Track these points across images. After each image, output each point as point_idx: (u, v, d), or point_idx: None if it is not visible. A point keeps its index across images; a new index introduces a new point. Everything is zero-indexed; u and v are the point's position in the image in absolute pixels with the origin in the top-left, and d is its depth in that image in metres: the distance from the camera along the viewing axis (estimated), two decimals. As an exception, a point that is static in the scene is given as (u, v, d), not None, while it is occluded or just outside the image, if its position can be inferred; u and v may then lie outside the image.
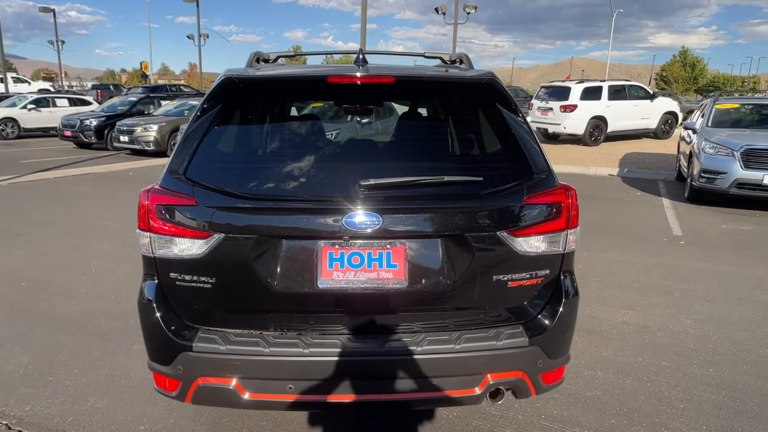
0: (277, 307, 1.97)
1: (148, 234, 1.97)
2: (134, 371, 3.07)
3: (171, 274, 1.97)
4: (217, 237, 1.89)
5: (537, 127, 15.91)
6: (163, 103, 15.98)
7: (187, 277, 1.95)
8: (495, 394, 2.02)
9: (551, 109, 15.31)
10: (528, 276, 2.00)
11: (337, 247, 1.90)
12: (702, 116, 9.25)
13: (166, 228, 1.93)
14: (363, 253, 1.91)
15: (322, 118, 2.32)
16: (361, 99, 2.17)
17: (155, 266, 2.00)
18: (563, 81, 17.01)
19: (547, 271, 2.02)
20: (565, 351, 2.12)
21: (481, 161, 2.04)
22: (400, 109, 2.33)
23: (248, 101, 2.08)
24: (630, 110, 15.44)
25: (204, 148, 2.00)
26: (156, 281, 2.01)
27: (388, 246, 1.91)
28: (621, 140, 15.64)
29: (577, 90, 14.90)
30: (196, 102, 15.18)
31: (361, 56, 2.21)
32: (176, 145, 2.06)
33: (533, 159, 2.01)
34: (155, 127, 13.05)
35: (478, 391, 1.97)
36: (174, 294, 2.00)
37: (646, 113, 15.77)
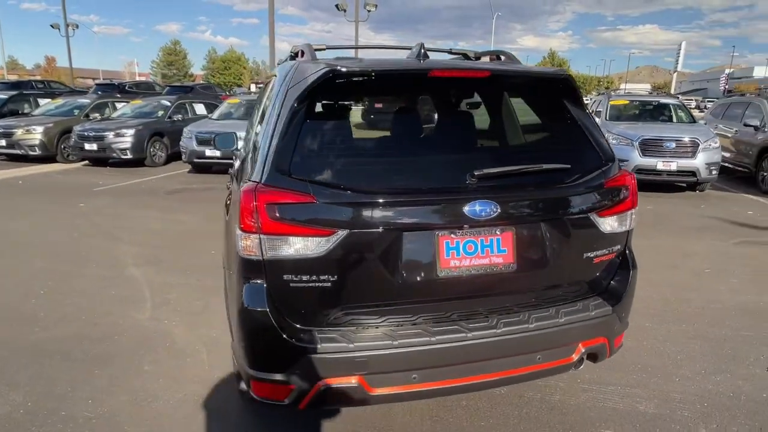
0: (398, 299, 1.99)
1: (256, 236, 1.87)
2: (163, 393, 2.81)
3: (285, 276, 1.89)
4: (340, 234, 1.86)
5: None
6: (42, 101, 14.12)
7: (305, 278, 1.89)
8: (580, 360, 2.23)
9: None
10: (607, 252, 2.23)
11: (453, 236, 1.97)
12: (598, 112, 10.47)
13: (282, 228, 1.85)
14: (476, 241, 1.99)
15: (419, 111, 2.35)
16: (457, 92, 2.23)
17: (263, 269, 1.90)
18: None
19: (619, 246, 2.28)
20: (628, 316, 2.39)
21: (566, 150, 2.22)
22: (485, 101, 2.42)
23: (350, 94, 2.05)
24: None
25: (307, 143, 1.95)
26: (263, 285, 1.91)
27: (498, 232, 2.02)
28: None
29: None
30: (85, 100, 13.65)
31: (422, 51, 2.28)
32: (270, 140, 1.96)
33: (602, 148, 2.25)
34: (40, 129, 11.50)
35: (574, 358, 2.17)
36: (286, 297, 1.92)
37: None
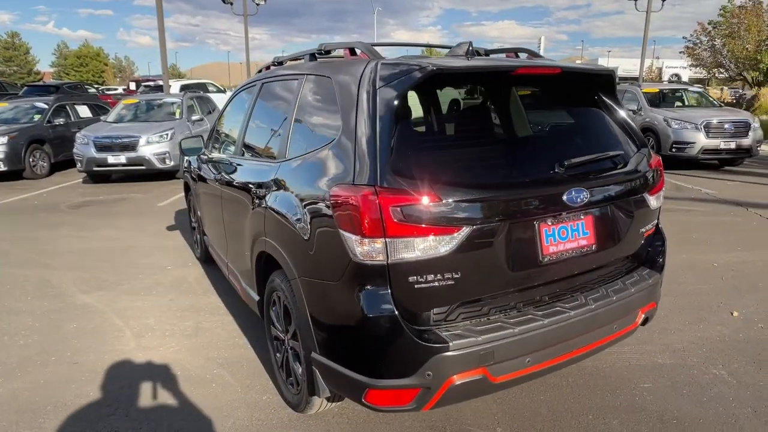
0: (508, 288, 2.04)
1: (381, 240, 1.81)
2: (212, 426, 2.57)
3: (410, 278, 1.85)
4: (465, 231, 1.86)
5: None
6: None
7: (429, 278, 1.87)
8: (643, 323, 2.48)
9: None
10: (651, 226, 2.50)
11: (550, 223, 2.07)
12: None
13: (409, 230, 1.81)
14: (567, 226, 2.12)
15: (506, 107, 2.37)
16: (534, 89, 2.31)
17: (388, 274, 1.84)
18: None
19: (656, 221, 2.56)
20: None
21: (618, 138, 2.42)
22: (554, 96, 2.51)
23: (443, 92, 2.04)
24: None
25: (411, 142, 1.92)
26: (388, 290, 1.86)
27: (582, 216, 2.16)
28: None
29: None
30: (43, 104, 11.46)
31: (471, 48, 2.35)
32: (369, 140, 1.89)
33: (638, 135, 2.50)
34: (3, 140, 9.64)
35: (638, 323, 2.41)
36: (411, 299, 1.88)
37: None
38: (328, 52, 2.75)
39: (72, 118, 12.04)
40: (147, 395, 2.84)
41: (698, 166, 10.24)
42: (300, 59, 3.05)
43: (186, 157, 5.21)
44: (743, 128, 9.71)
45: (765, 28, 21.22)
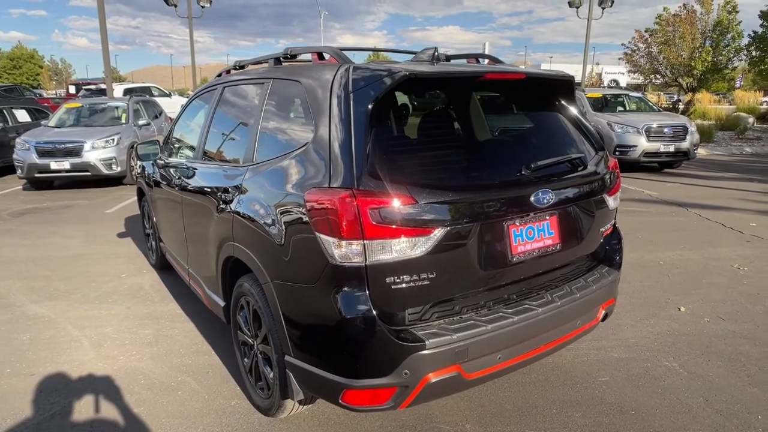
0: (479, 287, 2.11)
1: (359, 242, 1.83)
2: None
3: (387, 279, 1.88)
4: (439, 232, 1.91)
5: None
6: None
7: (405, 278, 1.91)
8: (602, 319, 2.60)
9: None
10: (609, 225, 2.64)
11: (518, 224, 2.16)
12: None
13: (386, 232, 1.84)
14: (534, 227, 2.21)
15: (474, 110, 2.42)
16: (501, 93, 2.39)
17: (365, 275, 1.87)
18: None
19: (613, 221, 2.70)
20: None
21: (578, 141, 2.54)
22: (517, 100, 2.59)
23: (415, 96, 2.08)
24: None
25: (386, 145, 1.95)
26: (365, 291, 1.88)
27: (547, 217, 2.26)
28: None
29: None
30: None
31: (436, 54, 2.41)
32: (344, 144, 1.92)
33: (596, 138, 2.64)
34: None
35: (599, 318, 2.53)
36: (388, 299, 1.91)
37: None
38: (294, 56, 2.76)
39: (9, 123, 11.40)
40: (110, 405, 2.74)
41: (639, 168, 10.79)
42: (264, 63, 3.03)
43: (140, 162, 5.06)
44: (681, 132, 10.34)
45: (698, 36, 22.68)
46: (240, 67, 3.37)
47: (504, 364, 2.15)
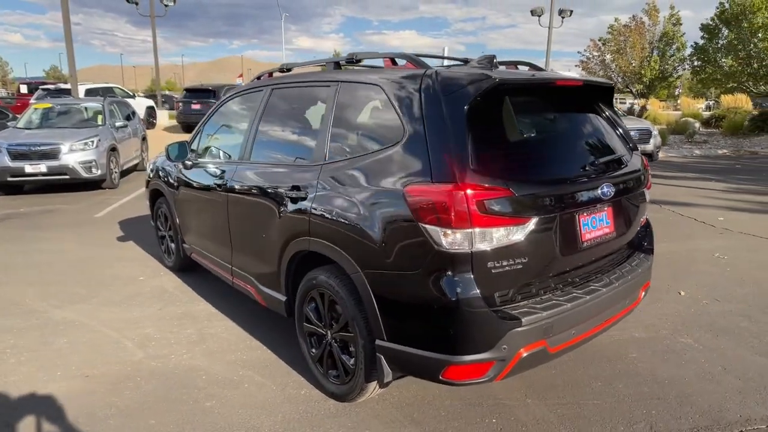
0: (559, 270, 2.36)
1: (467, 230, 2.04)
2: (262, 421, 2.62)
3: (488, 264, 2.10)
4: (532, 221, 2.15)
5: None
6: None
7: (504, 263, 2.13)
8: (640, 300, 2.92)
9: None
10: (644, 217, 2.96)
11: (586, 214, 2.43)
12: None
13: (490, 221, 2.06)
14: (597, 216, 2.49)
15: (549, 113, 2.67)
16: (566, 98, 2.66)
17: (471, 260, 2.07)
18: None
19: (647, 211, 3.03)
20: None
21: (620, 141, 2.84)
22: (576, 105, 2.86)
23: (505, 99, 2.30)
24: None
25: (483, 142, 2.17)
26: (471, 275, 2.09)
27: (605, 208, 2.55)
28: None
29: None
30: None
31: (495, 61, 2.66)
32: (447, 141, 2.13)
33: (631, 139, 2.96)
34: None
35: (640, 299, 2.84)
36: (489, 282, 2.12)
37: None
38: (359, 61, 2.93)
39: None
40: (182, 400, 2.81)
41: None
42: (310, 66, 3.20)
43: (155, 164, 5.06)
44: (646, 135, 11.10)
45: (647, 46, 24.21)
46: (287, 69, 3.49)
47: (576, 339, 2.41)
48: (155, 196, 5.02)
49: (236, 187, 3.40)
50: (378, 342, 2.38)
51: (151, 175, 5.08)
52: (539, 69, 3.03)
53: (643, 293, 2.88)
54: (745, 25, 21.07)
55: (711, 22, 22.93)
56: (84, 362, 3.23)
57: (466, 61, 2.80)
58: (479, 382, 2.21)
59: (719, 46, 23.31)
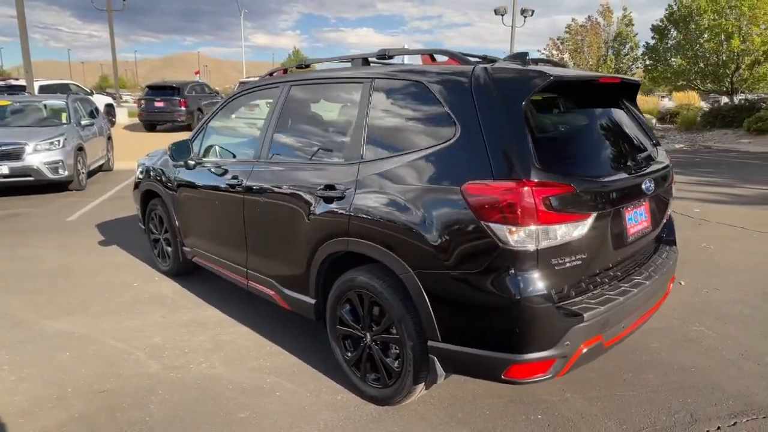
0: (608, 264, 2.37)
1: (533, 228, 2.02)
2: (302, 428, 2.52)
3: (552, 260, 2.09)
4: (592, 217, 2.15)
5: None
6: None
7: (566, 259, 2.12)
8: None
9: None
10: (669, 210, 3.03)
11: (630, 209, 2.45)
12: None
13: (554, 218, 2.05)
14: (638, 211, 2.53)
15: (594, 109, 2.64)
16: (606, 94, 2.67)
17: (537, 258, 2.05)
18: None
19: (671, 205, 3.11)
20: None
21: (648, 137, 2.89)
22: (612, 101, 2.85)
23: (555, 96, 2.29)
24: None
25: (541, 139, 2.15)
26: (537, 273, 2.07)
27: (645, 203, 2.58)
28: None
29: (277, 86, 15.94)
30: None
31: (528, 58, 2.66)
32: (509, 139, 2.10)
33: (654, 135, 3.03)
34: None
35: (669, 292, 2.91)
36: (551, 279, 2.10)
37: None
38: (390, 57, 2.87)
39: None
40: (213, 411, 2.67)
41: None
42: (344, 63, 3.10)
43: (144, 164, 4.83)
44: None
45: (603, 46, 25.10)
46: (305, 66, 3.38)
47: (625, 332, 2.44)
48: (147, 197, 4.78)
49: (254, 187, 3.26)
50: (431, 343, 2.33)
51: (142, 176, 4.84)
52: (558, 65, 3.06)
53: (671, 285, 2.95)
54: (693, 26, 22.10)
55: (661, 24, 23.93)
56: (95, 376, 3.03)
57: (485, 58, 2.75)
58: (541, 380, 2.20)
59: (669, 46, 24.37)
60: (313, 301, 2.95)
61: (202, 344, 3.42)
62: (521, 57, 2.54)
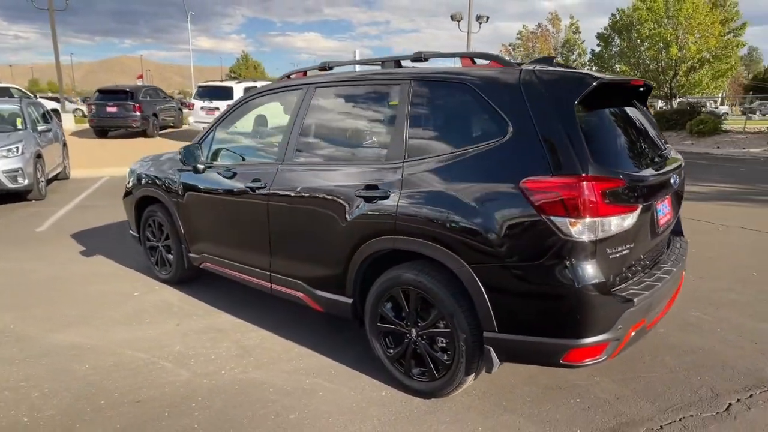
0: (644, 252, 2.55)
1: (593, 219, 2.16)
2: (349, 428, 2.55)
3: (607, 250, 2.24)
4: (639, 208, 2.33)
5: (203, 127, 15.81)
6: None
7: (618, 248, 2.28)
8: None
9: (218, 108, 15.51)
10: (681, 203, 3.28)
11: (659, 201, 2.65)
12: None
13: (612, 209, 2.20)
14: (665, 203, 2.73)
15: (626, 109, 2.78)
16: (632, 96, 2.85)
17: (595, 248, 2.19)
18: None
19: None
20: None
21: (660, 136, 3.12)
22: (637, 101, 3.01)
23: (598, 97, 2.44)
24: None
25: (590, 136, 2.30)
26: (595, 262, 2.21)
27: (668, 196, 2.79)
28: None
29: (239, 89, 15.66)
30: None
31: (556, 61, 2.85)
32: (565, 137, 2.23)
33: (660, 132, 3.27)
34: None
35: (683, 280, 3.14)
36: (605, 268, 2.25)
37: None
38: (425, 59, 2.95)
39: None
40: (262, 415, 2.65)
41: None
42: (372, 65, 3.18)
43: (135, 171, 4.71)
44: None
45: (552, 52, 26.23)
46: (329, 68, 3.41)
47: (660, 316, 2.63)
48: (143, 204, 4.62)
49: (279, 190, 3.25)
50: (487, 334, 2.43)
51: (134, 182, 4.69)
52: (569, 67, 3.25)
53: (684, 273, 3.19)
54: (634, 34, 23.54)
55: (605, 32, 25.36)
56: (124, 387, 2.93)
57: (505, 62, 2.87)
58: (595, 363, 2.34)
59: (613, 53, 25.84)
60: (350, 301, 2.99)
61: (228, 350, 3.37)
62: (548, 61, 2.70)
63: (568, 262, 2.20)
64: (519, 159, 2.33)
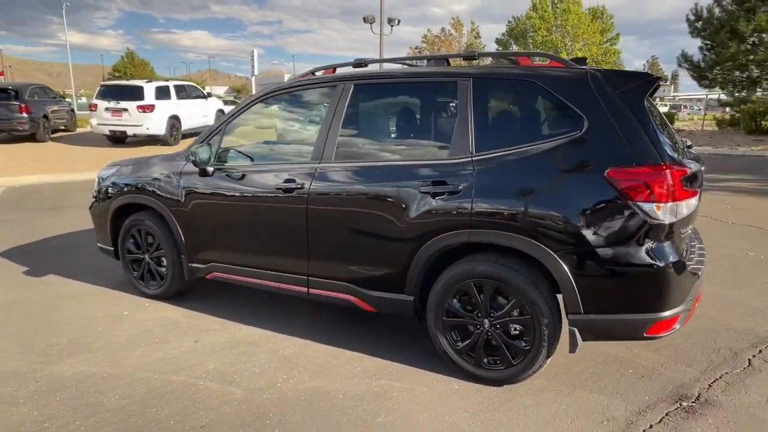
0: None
1: (675, 203, 2.40)
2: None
3: (680, 230, 2.48)
4: (698, 192, 2.60)
5: (109, 130, 14.51)
6: None
7: (684, 229, 2.57)
8: None
9: (126, 109, 14.28)
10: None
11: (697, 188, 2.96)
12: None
13: (686, 194, 2.45)
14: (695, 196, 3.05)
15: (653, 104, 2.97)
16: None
17: (670, 229, 2.42)
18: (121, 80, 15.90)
19: None
20: None
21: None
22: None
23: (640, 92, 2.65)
24: (195, 109, 16.46)
25: (650, 128, 2.52)
26: (674, 241, 2.44)
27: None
28: (191, 137, 16.47)
29: (150, 89, 14.56)
30: None
31: (586, 63, 3.09)
32: (642, 130, 2.43)
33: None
34: None
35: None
36: (680, 245, 2.50)
37: (205, 111, 17.17)
38: (477, 57, 3.03)
39: None
40: (348, 422, 2.56)
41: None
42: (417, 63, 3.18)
43: (105, 177, 4.29)
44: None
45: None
46: (363, 64, 3.33)
47: (686, 305, 2.92)
48: (122, 213, 4.17)
49: (321, 189, 3.14)
50: (572, 316, 2.57)
51: (109, 190, 4.23)
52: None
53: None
54: (530, 41, 25.60)
55: (503, 37, 27.22)
56: (177, 414, 2.65)
57: (565, 62, 3.02)
58: (670, 334, 2.58)
59: (509, 57, 27.93)
60: (411, 299, 2.97)
61: (269, 362, 3.18)
62: (581, 61, 2.92)
63: (652, 243, 2.41)
64: (599, 150, 2.49)
